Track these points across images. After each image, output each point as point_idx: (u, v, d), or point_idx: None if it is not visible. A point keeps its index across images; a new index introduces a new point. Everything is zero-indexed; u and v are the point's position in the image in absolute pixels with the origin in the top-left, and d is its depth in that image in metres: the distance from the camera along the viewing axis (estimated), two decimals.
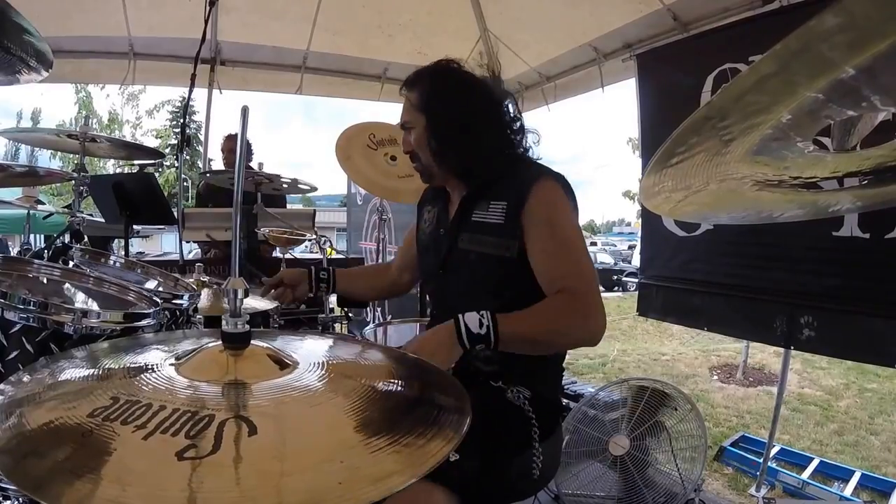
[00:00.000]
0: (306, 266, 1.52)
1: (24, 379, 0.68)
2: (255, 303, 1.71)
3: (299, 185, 2.64)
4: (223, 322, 0.70)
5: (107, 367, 0.71)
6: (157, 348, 0.80)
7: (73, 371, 0.71)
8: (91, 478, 0.47)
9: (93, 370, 0.70)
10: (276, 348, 0.74)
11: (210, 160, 5.12)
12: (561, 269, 1.05)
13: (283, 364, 0.70)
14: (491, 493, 1.05)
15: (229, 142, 3.51)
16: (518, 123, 1.24)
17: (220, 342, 0.71)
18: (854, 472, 3.02)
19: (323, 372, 0.70)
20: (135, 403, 0.58)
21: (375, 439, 0.54)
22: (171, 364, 0.69)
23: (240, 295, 0.71)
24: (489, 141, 1.18)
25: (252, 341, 0.71)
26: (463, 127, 1.16)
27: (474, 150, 1.16)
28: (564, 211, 1.11)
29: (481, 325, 0.96)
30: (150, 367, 0.69)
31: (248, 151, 3.35)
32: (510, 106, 1.23)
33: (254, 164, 2.56)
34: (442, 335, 0.97)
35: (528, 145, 1.24)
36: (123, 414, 0.56)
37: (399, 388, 0.71)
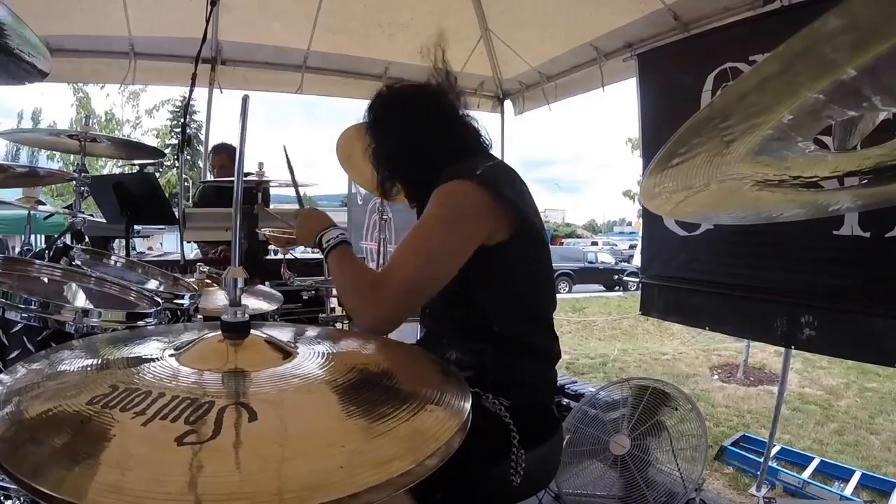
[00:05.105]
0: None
1: (23, 370, 0.67)
2: (255, 303, 1.71)
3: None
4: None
5: (106, 357, 0.71)
6: (157, 339, 0.80)
7: (72, 361, 0.71)
8: (90, 463, 0.47)
9: (92, 360, 0.70)
10: (276, 337, 0.74)
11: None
12: (392, 256, 1.11)
13: (283, 353, 0.70)
14: (463, 499, 1.02)
15: (218, 157, 3.46)
16: (469, 121, 1.26)
17: (219, 332, 0.71)
18: (854, 471, 3.01)
19: (323, 360, 0.70)
20: (134, 391, 0.58)
21: (376, 424, 0.55)
22: (171, 354, 0.69)
23: (240, 284, 0.71)
24: (434, 154, 1.19)
25: (252, 331, 0.71)
26: (406, 149, 1.22)
27: (419, 168, 1.21)
28: (441, 210, 1.07)
29: (324, 246, 1.15)
30: (149, 357, 0.69)
31: (232, 156, 3.31)
32: (460, 107, 1.25)
33: (246, 167, 2.55)
34: (314, 228, 1.18)
35: (486, 140, 1.27)
36: (122, 401, 0.56)
37: (399, 374, 0.71)
